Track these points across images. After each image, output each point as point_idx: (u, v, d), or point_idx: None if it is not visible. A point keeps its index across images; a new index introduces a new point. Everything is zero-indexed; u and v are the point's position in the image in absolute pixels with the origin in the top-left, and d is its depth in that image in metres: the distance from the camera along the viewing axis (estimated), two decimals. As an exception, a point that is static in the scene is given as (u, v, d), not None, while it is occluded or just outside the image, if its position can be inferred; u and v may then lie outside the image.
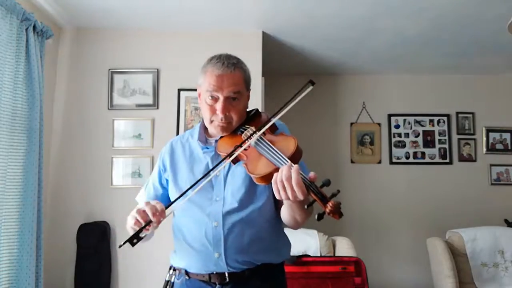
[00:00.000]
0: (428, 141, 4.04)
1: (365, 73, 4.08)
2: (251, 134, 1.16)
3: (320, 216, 0.90)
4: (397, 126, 4.06)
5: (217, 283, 1.21)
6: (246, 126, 1.24)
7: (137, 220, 1.08)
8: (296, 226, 1.19)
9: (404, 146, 4.04)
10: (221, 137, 1.27)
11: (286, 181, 0.95)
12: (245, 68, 1.28)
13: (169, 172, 1.33)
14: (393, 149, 4.03)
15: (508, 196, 3.93)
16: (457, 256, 3.00)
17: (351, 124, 4.09)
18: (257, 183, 1.09)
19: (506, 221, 3.61)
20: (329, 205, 0.89)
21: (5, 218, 2.19)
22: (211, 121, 1.25)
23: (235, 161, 1.17)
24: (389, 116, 4.07)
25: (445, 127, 4.05)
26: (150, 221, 1.06)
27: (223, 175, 1.24)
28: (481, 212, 3.84)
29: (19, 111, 2.31)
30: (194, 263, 1.24)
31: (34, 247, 2.33)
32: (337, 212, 0.89)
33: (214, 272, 1.21)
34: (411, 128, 4.05)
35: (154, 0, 2.64)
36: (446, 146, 4.03)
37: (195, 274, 1.25)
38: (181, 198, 1.14)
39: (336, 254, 2.94)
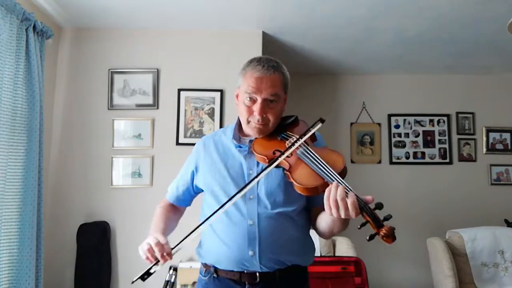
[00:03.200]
0: (428, 141, 4.04)
1: (365, 73, 4.08)
2: (295, 141, 1.17)
3: (372, 237, 0.94)
4: (397, 126, 4.06)
5: (247, 282, 1.21)
6: (289, 133, 1.26)
7: (147, 256, 1.13)
8: (329, 236, 1.24)
9: (404, 146, 4.04)
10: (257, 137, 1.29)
11: (341, 201, 0.96)
12: (283, 72, 1.29)
13: (202, 166, 1.35)
14: (393, 149, 4.03)
15: (508, 196, 3.92)
16: (457, 256, 3.00)
17: (351, 124, 4.09)
18: (299, 192, 1.10)
19: (506, 221, 3.61)
20: (384, 229, 0.92)
21: (5, 218, 2.19)
22: (248, 122, 1.27)
23: (276, 166, 1.18)
24: (389, 116, 4.07)
25: (445, 127, 4.05)
26: (158, 260, 1.11)
27: (256, 173, 1.23)
28: (481, 212, 3.83)
29: (19, 111, 2.31)
30: (225, 259, 1.23)
31: (34, 247, 2.33)
32: (391, 236, 0.92)
33: (245, 271, 1.21)
34: (411, 128, 4.05)
35: (154, 0, 2.64)
36: (446, 146, 4.02)
37: (224, 271, 1.23)
38: (212, 216, 1.16)
39: (336, 254, 2.94)
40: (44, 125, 2.56)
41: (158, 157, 2.95)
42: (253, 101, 1.24)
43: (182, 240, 1.14)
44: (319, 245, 2.89)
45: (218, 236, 1.25)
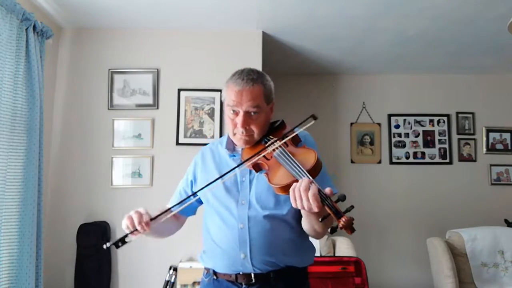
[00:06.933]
0: (428, 141, 4.04)
1: (365, 73, 4.08)
2: (271, 143, 1.22)
3: (333, 230, 0.96)
4: (397, 126, 4.06)
5: (243, 283, 1.24)
6: (270, 137, 1.30)
7: (127, 225, 1.16)
8: (316, 235, 1.24)
9: (404, 146, 4.04)
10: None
11: (304, 193, 0.98)
12: (265, 83, 1.31)
13: (199, 176, 1.41)
14: (393, 149, 4.03)
15: (508, 196, 3.93)
16: (457, 256, 3.00)
17: (351, 124, 4.09)
18: (277, 193, 1.14)
19: (506, 221, 3.61)
20: (342, 220, 0.93)
21: (5, 218, 2.19)
22: (234, 134, 1.31)
23: (258, 169, 1.23)
24: (389, 116, 4.07)
25: (445, 127, 4.05)
26: (136, 229, 1.14)
27: (249, 180, 1.29)
28: (481, 212, 3.84)
29: (19, 111, 2.31)
30: (221, 263, 1.28)
31: (34, 247, 2.33)
32: (349, 227, 0.93)
33: (241, 273, 1.24)
34: (411, 128, 4.05)
35: (154, 0, 2.64)
36: (446, 146, 4.03)
37: (222, 274, 1.28)
38: (185, 201, 1.23)
39: (336, 254, 2.94)
40: (44, 125, 2.56)
41: (158, 157, 2.95)
42: (236, 114, 1.27)
43: (162, 213, 1.18)
44: (319, 245, 2.89)
45: (214, 240, 1.30)
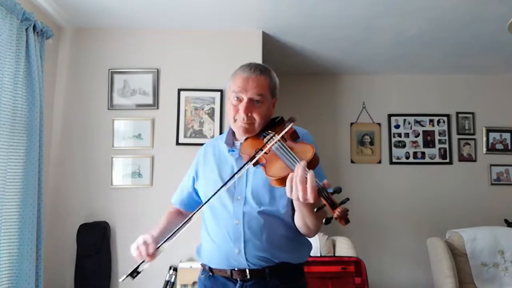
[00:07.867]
0: (428, 141, 4.04)
1: (365, 73, 4.08)
2: (271, 137, 1.23)
3: (328, 221, 0.95)
4: (397, 126, 4.06)
5: (238, 279, 1.25)
6: (269, 131, 1.31)
7: (136, 255, 1.23)
8: (308, 232, 1.24)
9: (404, 146, 4.04)
10: (245, 139, 1.33)
11: (300, 183, 0.99)
12: (271, 76, 1.35)
13: (201, 172, 1.44)
14: (393, 149, 4.03)
15: (508, 196, 3.93)
16: (457, 256, 3.00)
17: (351, 124, 4.09)
18: (273, 185, 1.14)
19: (506, 221, 3.61)
20: (338, 210, 0.94)
21: (5, 218, 2.19)
22: (235, 120, 1.32)
23: (255, 163, 1.23)
24: (389, 116, 4.07)
25: (445, 127, 4.05)
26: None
27: (245, 176, 1.30)
28: (481, 212, 3.84)
29: (19, 111, 2.31)
30: (215, 258, 1.29)
31: (34, 247, 2.33)
32: (344, 218, 0.93)
33: (236, 269, 1.25)
34: (411, 128, 4.05)
35: (154, 0, 2.64)
36: (446, 146, 4.03)
37: (217, 270, 1.30)
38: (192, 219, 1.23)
39: (336, 254, 2.94)
40: (44, 125, 2.56)
41: (158, 157, 2.95)
42: (240, 100, 1.30)
43: (164, 242, 1.22)
44: (319, 245, 2.89)
45: (210, 235, 1.32)
